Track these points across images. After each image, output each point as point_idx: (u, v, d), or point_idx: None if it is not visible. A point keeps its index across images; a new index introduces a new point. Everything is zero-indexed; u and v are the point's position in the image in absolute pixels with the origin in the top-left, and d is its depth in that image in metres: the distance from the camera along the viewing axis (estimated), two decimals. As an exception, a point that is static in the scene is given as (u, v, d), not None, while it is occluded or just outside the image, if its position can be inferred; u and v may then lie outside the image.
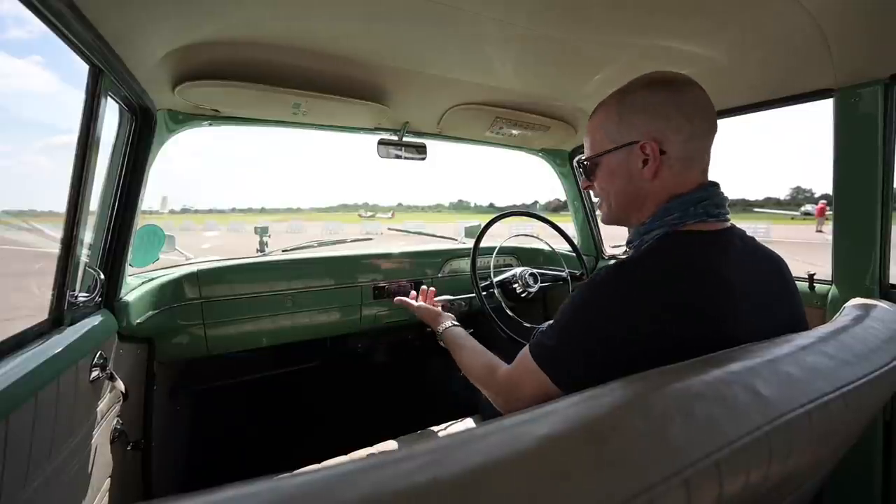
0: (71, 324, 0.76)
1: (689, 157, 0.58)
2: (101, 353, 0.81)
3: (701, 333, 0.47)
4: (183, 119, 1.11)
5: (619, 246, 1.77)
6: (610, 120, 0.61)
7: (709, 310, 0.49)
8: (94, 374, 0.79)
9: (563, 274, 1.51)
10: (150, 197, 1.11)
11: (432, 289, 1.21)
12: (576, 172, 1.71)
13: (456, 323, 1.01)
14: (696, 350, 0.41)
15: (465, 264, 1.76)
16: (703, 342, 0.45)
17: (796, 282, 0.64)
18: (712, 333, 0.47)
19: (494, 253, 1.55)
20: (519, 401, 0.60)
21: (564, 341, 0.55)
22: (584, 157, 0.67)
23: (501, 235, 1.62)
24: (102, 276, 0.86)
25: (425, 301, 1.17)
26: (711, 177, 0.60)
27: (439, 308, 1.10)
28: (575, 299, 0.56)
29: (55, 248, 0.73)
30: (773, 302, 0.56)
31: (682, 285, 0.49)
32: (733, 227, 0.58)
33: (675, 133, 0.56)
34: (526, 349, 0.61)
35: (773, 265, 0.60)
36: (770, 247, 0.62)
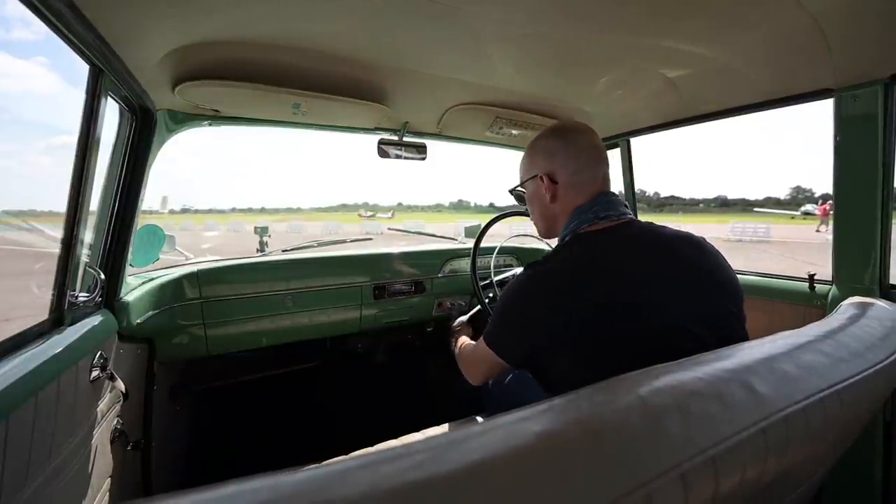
0: (71, 324, 0.76)
1: (580, 183, 0.74)
2: (101, 353, 0.82)
3: (603, 304, 0.59)
4: (183, 119, 1.11)
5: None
6: (524, 160, 0.82)
7: (599, 284, 0.61)
8: (95, 374, 0.79)
9: None
10: (150, 197, 1.11)
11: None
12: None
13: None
14: (603, 317, 0.55)
15: (465, 264, 1.76)
16: (608, 312, 0.58)
17: (796, 281, 0.64)
18: (612, 302, 0.59)
19: (494, 253, 1.55)
20: (479, 374, 0.81)
21: (498, 326, 0.71)
22: (511, 188, 0.89)
23: (501, 235, 1.62)
24: (102, 276, 0.86)
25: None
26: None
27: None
28: (501, 297, 0.72)
29: (55, 248, 0.73)
30: (685, 276, 0.64)
31: (578, 269, 0.63)
32: (631, 220, 0.71)
33: (562, 168, 0.74)
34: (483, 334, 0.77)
35: (690, 247, 0.68)
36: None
